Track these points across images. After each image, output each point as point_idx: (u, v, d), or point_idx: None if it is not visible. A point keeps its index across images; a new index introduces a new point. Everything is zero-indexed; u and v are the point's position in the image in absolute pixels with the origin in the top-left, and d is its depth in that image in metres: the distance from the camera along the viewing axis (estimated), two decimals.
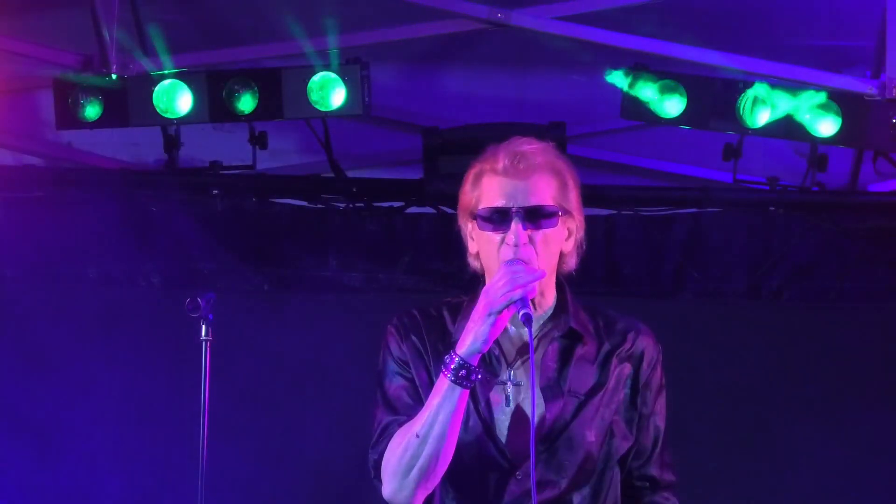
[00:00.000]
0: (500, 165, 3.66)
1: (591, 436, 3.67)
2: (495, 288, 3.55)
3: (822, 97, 6.50)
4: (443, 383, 3.58)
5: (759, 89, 6.53)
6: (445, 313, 3.81)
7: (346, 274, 6.95)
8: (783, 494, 6.79)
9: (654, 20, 6.74)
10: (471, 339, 3.56)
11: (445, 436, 3.58)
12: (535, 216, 3.64)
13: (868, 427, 6.76)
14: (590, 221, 6.99)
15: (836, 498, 6.76)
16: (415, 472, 3.61)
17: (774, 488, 6.78)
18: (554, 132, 6.74)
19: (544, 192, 3.65)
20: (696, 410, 6.55)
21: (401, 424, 3.68)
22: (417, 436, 3.59)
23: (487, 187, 3.67)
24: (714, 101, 6.62)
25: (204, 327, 4.85)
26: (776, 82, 6.57)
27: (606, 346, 3.76)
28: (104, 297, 6.84)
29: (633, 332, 3.80)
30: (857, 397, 6.79)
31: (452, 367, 3.56)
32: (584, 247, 3.76)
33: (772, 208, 6.97)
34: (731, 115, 6.59)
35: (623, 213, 7.03)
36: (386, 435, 3.70)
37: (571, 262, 3.76)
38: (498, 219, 3.65)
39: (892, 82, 6.51)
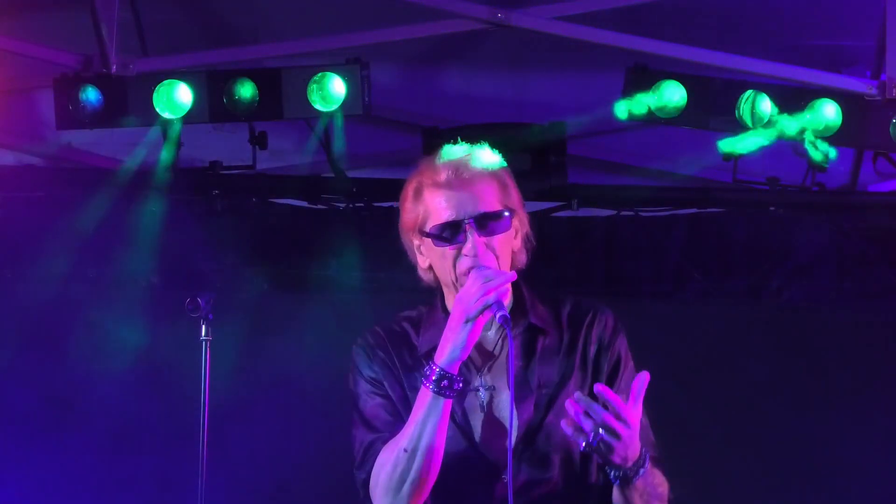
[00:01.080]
0: (442, 178, 3.64)
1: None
2: (469, 294, 3.54)
3: (827, 119, 6.49)
4: (426, 395, 3.57)
5: (762, 104, 6.52)
6: (407, 327, 3.80)
7: (346, 274, 6.94)
8: (784, 493, 6.79)
9: (654, 20, 6.73)
10: (449, 348, 3.56)
11: (434, 447, 3.58)
12: (488, 223, 3.64)
13: (868, 427, 6.76)
14: (590, 222, 7.10)
15: (836, 497, 6.76)
16: (406, 486, 3.61)
17: (775, 487, 6.78)
18: (554, 132, 6.74)
19: (490, 197, 3.65)
20: (695, 410, 6.55)
21: (384, 442, 3.67)
22: (406, 450, 3.59)
23: (432, 202, 3.66)
24: (714, 101, 6.62)
25: (204, 327, 4.86)
26: (778, 98, 6.54)
27: (569, 333, 3.76)
28: (104, 297, 6.84)
29: (591, 312, 3.79)
30: (857, 397, 6.79)
31: (434, 378, 3.56)
32: (533, 242, 3.76)
33: (772, 208, 6.97)
34: (731, 115, 6.59)
35: (623, 213, 7.03)
36: (370, 453, 3.70)
37: (522, 258, 3.76)
38: (451, 232, 3.64)
39: (892, 82, 6.51)
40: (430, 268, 3.74)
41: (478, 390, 3.68)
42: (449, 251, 3.65)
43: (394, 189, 6.94)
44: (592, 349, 3.75)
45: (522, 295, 3.76)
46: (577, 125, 7.00)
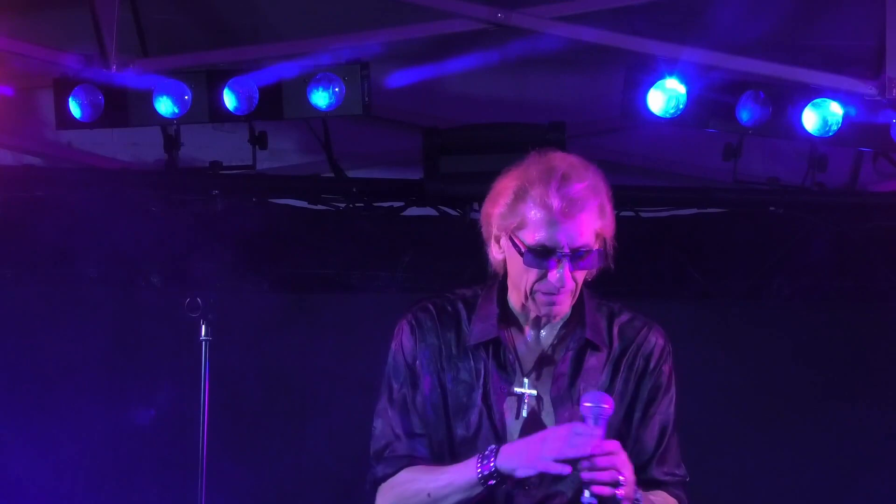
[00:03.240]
0: (554, 205, 3.57)
1: None
2: (552, 448, 3.48)
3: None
4: (471, 474, 3.56)
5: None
6: (461, 309, 3.75)
7: (346, 274, 6.95)
8: (783, 493, 6.79)
9: (654, 20, 6.73)
10: (515, 465, 3.52)
11: None
12: (581, 257, 3.60)
13: (868, 426, 6.76)
14: None
15: (836, 496, 6.76)
16: None
17: (775, 487, 6.78)
18: (554, 132, 6.74)
19: (589, 230, 3.60)
20: (696, 410, 6.53)
21: (404, 448, 3.66)
22: (429, 495, 3.60)
23: (533, 219, 3.59)
24: (714, 101, 6.63)
25: (204, 327, 4.88)
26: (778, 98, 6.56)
27: (617, 349, 3.74)
28: (104, 297, 6.84)
29: (644, 330, 3.77)
30: (857, 397, 6.79)
31: (486, 472, 3.55)
32: (612, 252, 3.71)
33: (772, 208, 6.97)
34: (731, 115, 6.59)
35: (623, 214, 7.02)
36: (389, 454, 3.69)
37: (595, 269, 3.73)
38: (543, 255, 3.58)
39: (892, 82, 6.51)
40: (504, 262, 3.70)
41: (522, 396, 3.66)
42: (533, 269, 3.62)
43: (394, 189, 7.05)
44: (635, 374, 3.74)
45: (583, 303, 3.73)
46: (576, 125, 7.01)
